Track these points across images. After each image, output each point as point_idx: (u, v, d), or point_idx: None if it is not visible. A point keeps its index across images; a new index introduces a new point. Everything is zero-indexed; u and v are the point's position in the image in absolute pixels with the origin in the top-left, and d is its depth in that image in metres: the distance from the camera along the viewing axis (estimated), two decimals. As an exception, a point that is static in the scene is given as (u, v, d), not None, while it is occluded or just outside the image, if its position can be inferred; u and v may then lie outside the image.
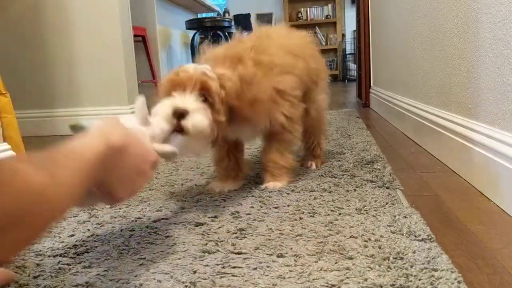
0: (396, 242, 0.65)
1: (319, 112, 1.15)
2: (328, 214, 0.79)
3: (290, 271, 0.59)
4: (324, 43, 7.40)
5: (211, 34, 4.18)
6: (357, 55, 2.96)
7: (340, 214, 0.79)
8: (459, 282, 0.53)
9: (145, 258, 0.65)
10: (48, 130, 2.21)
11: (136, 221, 0.82)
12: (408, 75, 1.68)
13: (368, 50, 2.71)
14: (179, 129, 0.76)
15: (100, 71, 2.21)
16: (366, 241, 0.67)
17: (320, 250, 0.64)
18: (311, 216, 0.79)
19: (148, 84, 3.80)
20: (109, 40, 2.18)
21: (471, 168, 0.97)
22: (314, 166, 1.16)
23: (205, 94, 0.81)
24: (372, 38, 2.65)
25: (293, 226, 0.74)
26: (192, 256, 0.65)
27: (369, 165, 1.13)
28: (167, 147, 0.70)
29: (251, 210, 0.84)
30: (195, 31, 4.21)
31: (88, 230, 0.78)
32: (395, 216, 0.76)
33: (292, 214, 0.81)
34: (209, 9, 4.92)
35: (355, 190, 0.93)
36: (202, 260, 0.64)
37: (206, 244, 0.69)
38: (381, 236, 0.68)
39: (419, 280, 0.54)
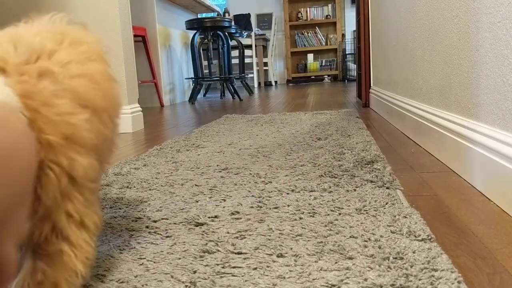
0: (396, 242, 0.65)
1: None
2: (328, 214, 0.79)
3: (290, 271, 0.59)
4: (324, 43, 7.40)
5: (211, 34, 4.19)
6: (357, 55, 2.96)
7: (340, 214, 0.79)
8: (459, 282, 0.53)
9: (145, 258, 0.65)
10: (48, 130, 2.21)
11: (136, 221, 0.82)
12: (408, 75, 1.68)
13: (368, 50, 2.71)
14: None
15: (100, 71, 2.21)
16: (366, 241, 0.67)
17: (320, 250, 0.64)
18: (311, 216, 0.79)
19: (148, 84, 3.80)
20: (109, 40, 2.19)
21: (471, 168, 0.97)
22: None
23: None
24: (372, 38, 2.65)
25: (293, 226, 0.74)
26: (192, 256, 0.65)
27: (369, 165, 1.13)
28: None
29: (251, 210, 0.84)
30: (195, 31, 4.21)
31: (88, 230, 0.78)
32: (395, 216, 0.76)
33: (292, 214, 0.81)
34: (209, 9, 4.92)
35: (355, 190, 0.93)
36: (202, 260, 0.64)
37: (206, 244, 0.69)
38: (381, 236, 0.68)
39: (419, 280, 0.54)
